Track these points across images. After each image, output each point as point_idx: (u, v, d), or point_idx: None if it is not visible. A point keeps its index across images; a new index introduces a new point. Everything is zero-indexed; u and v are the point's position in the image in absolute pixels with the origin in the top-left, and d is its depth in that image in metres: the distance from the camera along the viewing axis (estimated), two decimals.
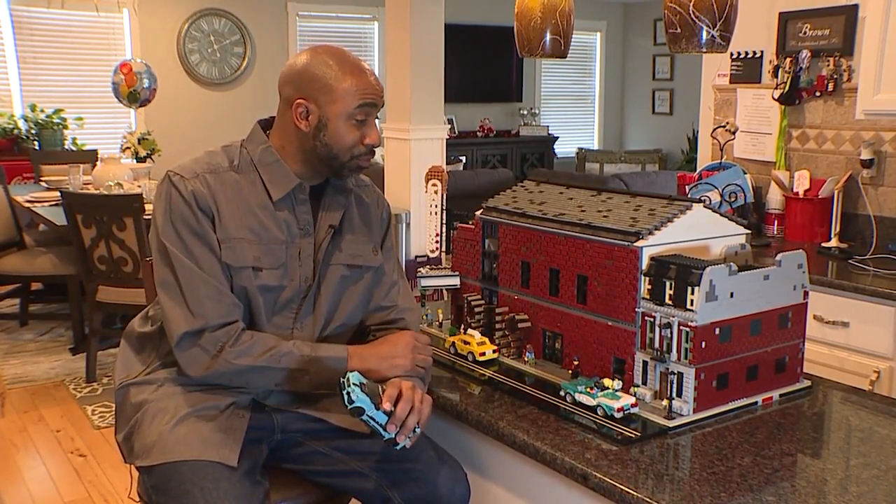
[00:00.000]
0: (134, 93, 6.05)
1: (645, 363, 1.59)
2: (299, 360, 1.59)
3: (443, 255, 2.45)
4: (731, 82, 3.54)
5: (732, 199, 3.25)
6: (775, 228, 3.29)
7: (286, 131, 1.68)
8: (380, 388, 1.50)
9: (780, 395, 1.67)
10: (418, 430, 1.52)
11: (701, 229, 1.68)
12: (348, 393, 1.45)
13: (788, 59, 3.23)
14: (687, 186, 3.34)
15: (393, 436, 1.49)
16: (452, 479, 1.64)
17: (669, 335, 1.54)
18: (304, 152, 1.67)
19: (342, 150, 1.64)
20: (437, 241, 2.44)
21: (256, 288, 1.62)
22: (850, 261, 2.79)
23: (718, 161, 3.44)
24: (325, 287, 1.70)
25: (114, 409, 1.74)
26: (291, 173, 1.67)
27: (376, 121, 1.77)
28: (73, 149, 6.69)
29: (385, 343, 1.68)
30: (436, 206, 2.43)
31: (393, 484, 1.64)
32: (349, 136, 1.64)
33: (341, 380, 1.47)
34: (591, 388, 1.59)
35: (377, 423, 1.48)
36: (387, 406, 1.48)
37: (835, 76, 3.13)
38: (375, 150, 1.71)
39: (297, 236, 1.67)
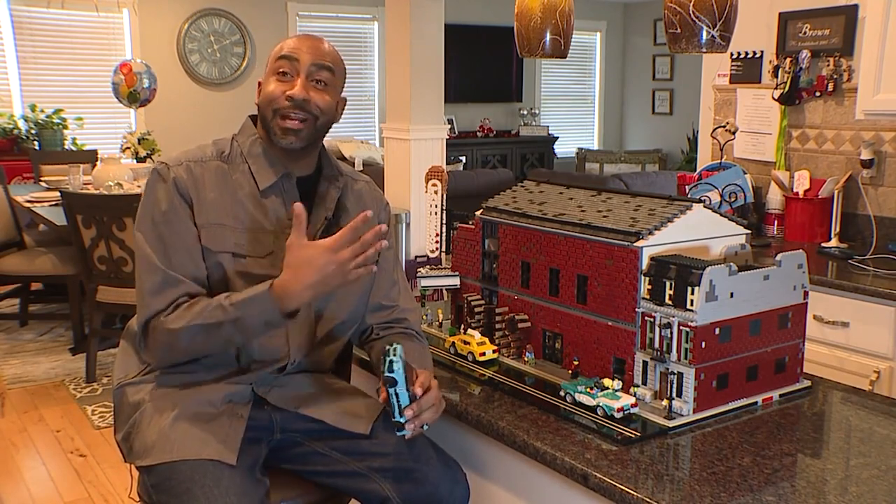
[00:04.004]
0: (134, 93, 6.05)
1: (645, 363, 1.59)
2: (227, 308, 1.53)
3: (443, 255, 2.45)
4: (731, 82, 3.54)
5: (732, 199, 3.25)
6: (775, 228, 3.29)
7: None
8: (413, 373, 1.51)
9: (780, 395, 1.67)
10: (426, 427, 1.53)
11: (701, 229, 1.68)
12: (391, 361, 1.45)
13: (788, 60, 3.23)
14: (687, 186, 3.34)
15: (405, 420, 1.49)
16: (452, 480, 1.64)
17: (669, 335, 1.54)
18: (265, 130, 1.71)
19: (266, 104, 1.67)
20: (437, 241, 2.44)
21: (236, 274, 1.63)
22: (850, 261, 2.79)
23: (718, 161, 3.44)
24: None
25: (113, 408, 1.75)
26: (278, 163, 1.69)
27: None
28: (73, 149, 6.68)
29: (301, 267, 1.52)
30: (436, 206, 2.43)
31: (392, 484, 1.64)
32: (270, 89, 1.67)
33: (388, 347, 1.47)
34: (591, 388, 1.59)
35: (399, 402, 1.48)
36: (418, 390, 1.49)
37: (835, 76, 3.13)
38: (307, 108, 1.65)
39: (287, 227, 1.67)
